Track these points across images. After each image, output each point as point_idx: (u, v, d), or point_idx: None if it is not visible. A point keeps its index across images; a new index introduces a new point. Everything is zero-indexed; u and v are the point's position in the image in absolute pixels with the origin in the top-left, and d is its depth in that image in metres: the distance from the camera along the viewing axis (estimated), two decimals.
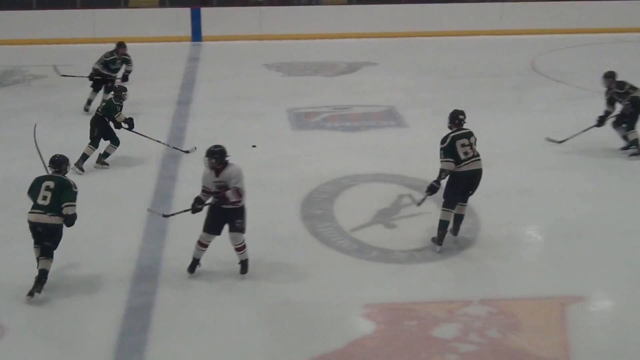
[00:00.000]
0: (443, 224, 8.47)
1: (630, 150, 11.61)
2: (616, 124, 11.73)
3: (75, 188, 7.55)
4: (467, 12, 22.34)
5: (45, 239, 7.45)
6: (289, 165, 11.12)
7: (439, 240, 8.47)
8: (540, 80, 16.43)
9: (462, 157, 8.27)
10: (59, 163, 7.66)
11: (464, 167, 8.30)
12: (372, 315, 7.20)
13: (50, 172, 7.70)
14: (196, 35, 21.08)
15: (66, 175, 7.69)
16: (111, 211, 9.56)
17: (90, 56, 18.71)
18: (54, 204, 7.38)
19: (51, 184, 7.46)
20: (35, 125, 9.80)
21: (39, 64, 17.91)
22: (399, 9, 22.24)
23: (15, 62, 18.18)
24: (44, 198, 7.39)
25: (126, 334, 6.95)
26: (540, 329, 6.98)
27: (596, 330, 7.06)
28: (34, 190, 7.51)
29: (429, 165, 10.92)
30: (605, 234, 8.81)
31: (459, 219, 8.61)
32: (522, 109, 14.12)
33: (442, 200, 8.49)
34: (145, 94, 15.04)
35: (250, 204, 9.62)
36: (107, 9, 21.34)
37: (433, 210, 9.48)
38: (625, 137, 11.69)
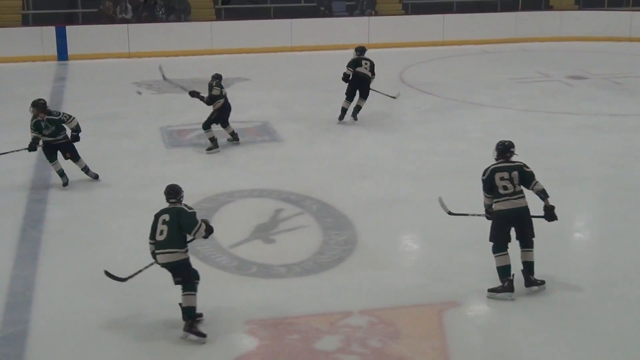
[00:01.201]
0: (501, 271, 7.75)
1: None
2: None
3: (191, 209, 7.18)
4: (335, 27, 22.69)
5: (175, 276, 7.12)
6: (163, 184, 10.86)
7: (508, 288, 7.68)
8: (410, 92, 16.80)
9: (502, 191, 7.66)
10: (176, 192, 7.28)
11: (503, 205, 7.69)
12: (254, 332, 7.17)
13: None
14: (62, 54, 20.54)
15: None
16: None
17: None
18: (171, 237, 7.01)
19: (166, 216, 7.09)
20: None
21: None
22: (268, 25, 22.36)
23: None
24: (161, 233, 7.04)
25: None
26: (419, 335, 7.10)
27: (472, 334, 7.24)
28: (153, 227, 7.16)
29: (304, 179, 11.11)
30: (477, 241, 9.03)
31: (527, 267, 7.78)
32: (393, 120, 14.38)
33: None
34: (10, 116, 14.54)
35: (125, 224, 9.52)
36: None
37: (311, 223, 9.57)
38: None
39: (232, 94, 16.51)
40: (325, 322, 7.31)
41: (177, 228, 7.01)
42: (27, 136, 13.19)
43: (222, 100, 12.28)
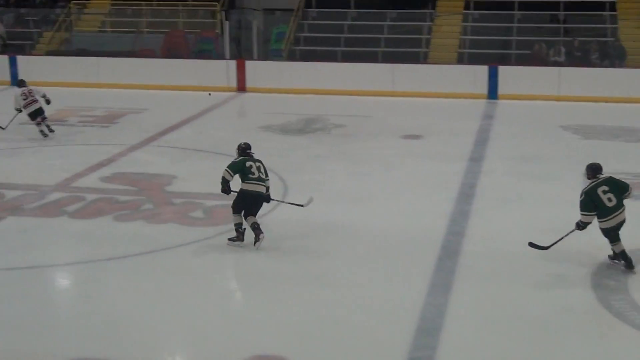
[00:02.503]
0: None
1: None
2: None
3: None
4: None
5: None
6: (582, 232, 10.66)
7: None
8: None
9: None
10: (599, 168, 9.27)
11: None
12: None
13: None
14: (492, 93, 21.02)
15: None
16: (397, 262, 9.71)
17: (388, 108, 19.46)
18: (619, 200, 9.00)
19: (605, 187, 9.01)
20: None
21: (340, 113, 18.76)
22: None
23: (318, 110, 19.15)
24: (609, 200, 8.95)
25: None
26: None
27: None
28: (589, 201, 9.02)
29: None
30: None
31: None
32: None
33: None
34: (438, 148, 15.29)
35: (537, 270, 9.41)
36: (407, 64, 21.95)
37: None
38: None
39: None
40: None
41: (619, 193, 8.96)
42: (455, 167, 13.79)
43: None
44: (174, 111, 19.21)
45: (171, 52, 24.12)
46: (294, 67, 22.66)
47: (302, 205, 10.58)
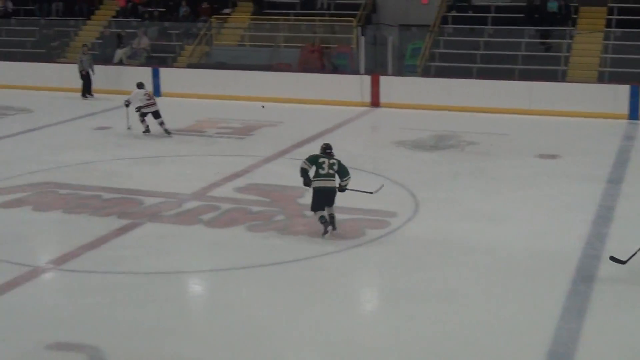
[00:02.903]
0: None
1: None
2: None
3: None
4: None
5: None
6: None
7: None
8: None
9: None
10: None
11: None
12: None
13: None
14: (633, 113, 20.27)
15: None
16: (529, 283, 9.49)
17: (524, 126, 19.10)
18: None
19: None
20: None
21: (474, 130, 18.53)
22: None
23: (451, 127, 18.97)
24: None
25: None
26: None
27: None
28: None
29: None
30: None
31: None
32: None
33: None
34: (575, 168, 14.89)
35: None
36: (545, 82, 21.47)
37: None
38: None
39: None
40: None
41: None
42: (591, 188, 13.38)
43: None
44: (308, 125, 19.43)
45: (307, 66, 24.43)
46: (428, 83, 22.55)
47: (371, 193, 11.51)
